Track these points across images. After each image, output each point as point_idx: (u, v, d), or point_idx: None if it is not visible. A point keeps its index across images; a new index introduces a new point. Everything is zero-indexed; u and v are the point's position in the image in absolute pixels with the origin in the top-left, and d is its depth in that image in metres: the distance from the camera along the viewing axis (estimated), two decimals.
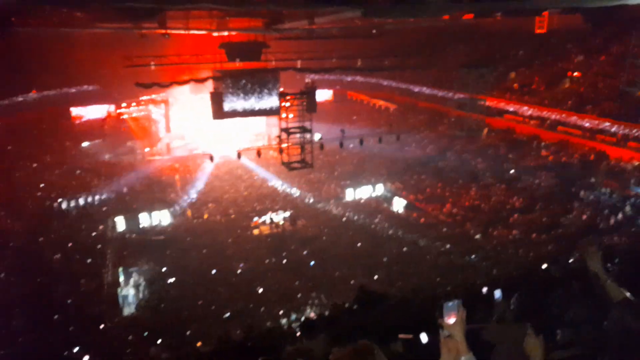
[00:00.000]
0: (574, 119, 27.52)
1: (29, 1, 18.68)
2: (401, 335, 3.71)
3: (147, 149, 36.51)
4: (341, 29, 28.74)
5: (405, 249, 22.10)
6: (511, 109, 31.76)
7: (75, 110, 33.64)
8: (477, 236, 22.48)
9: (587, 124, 26.71)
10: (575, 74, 30.96)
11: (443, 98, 37.11)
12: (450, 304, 2.55)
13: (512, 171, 26.94)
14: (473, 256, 20.47)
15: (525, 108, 30.73)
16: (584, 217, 21.07)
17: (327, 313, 16.01)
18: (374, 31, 29.24)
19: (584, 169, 24.55)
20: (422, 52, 39.28)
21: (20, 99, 36.51)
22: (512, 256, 19.72)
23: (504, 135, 31.05)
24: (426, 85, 39.47)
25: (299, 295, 18.36)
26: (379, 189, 29.37)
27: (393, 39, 34.74)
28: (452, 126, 34.26)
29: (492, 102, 32.08)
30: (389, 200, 28.31)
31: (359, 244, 22.66)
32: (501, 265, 18.83)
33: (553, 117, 28.81)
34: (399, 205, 27.45)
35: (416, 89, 40.60)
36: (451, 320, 2.47)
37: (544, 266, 15.89)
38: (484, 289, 9.46)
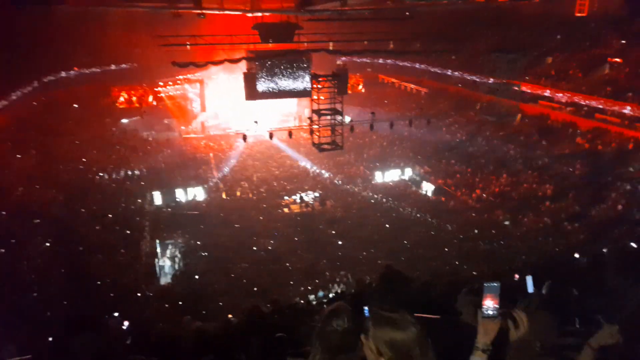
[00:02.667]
0: (612, 107, 26.77)
1: None
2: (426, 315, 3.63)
3: (182, 127, 37.56)
4: (373, 11, 28.53)
5: (432, 232, 22.29)
6: (546, 95, 31.05)
7: (115, 89, 34.97)
8: (506, 223, 22.43)
9: (626, 112, 25.97)
10: (616, 60, 29.92)
11: (474, 83, 36.50)
12: (491, 285, 2.53)
13: (544, 158, 26.55)
14: (501, 242, 20.50)
15: (561, 94, 29.99)
16: (619, 207, 20.71)
17: (352, 290, 16.53)
18: (407, 13, 28.89)
19: (621, 159, 24.01)
20: (454, 36, 38.54)
21: (62, 75, 37.94)
22: (542, 244, 19.67)
23: (538, 122, 30.46)
24: (457, 69, 38.83)
25: (326, 274, 18.88)
26: (408, 173, 29.46)
27: (425, 22, 34.17)
28: (483, 111, 33.76)
29: (526, 87, 31.41)
30: (417, 184, 28.38)
31: (386, 226, 22.97)
32: (530, 253, 18.84)
33: (590, 104, 28.08)
34: (427, 189, 27.52)
35: (447, 73, 40.02)
36: (490, 302, 2.47)
37: (576, 255, 15.76)
38: (516, 276, 9.53)
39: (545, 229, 20.88)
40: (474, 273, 17.28)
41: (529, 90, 31.72)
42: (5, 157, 26.06)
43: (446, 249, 20.39)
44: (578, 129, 27.80)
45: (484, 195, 25.17)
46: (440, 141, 32.52)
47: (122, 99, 34.95)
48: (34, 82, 35.02)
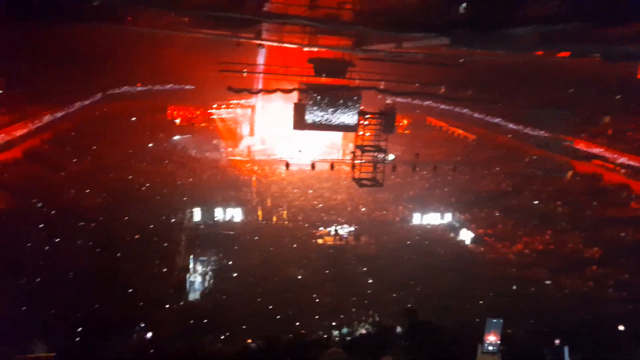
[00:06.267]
0: None
1: (141, 2, 20.74)
2: None
3: (230, 149, 38.90)
4: (427, 55, 28.76)
5: (467, 282, 21.47)
6: (601, 155, 29.95)
7: (172, 107, 37.02)
8: (547, 282, 21.35)
9: None
10: None
11: (525, 134, 35.79)
12: (494, 320, 2.47)
13: (594, 220, 25.34)
14: (540, 302, 19.46)
15: (617, 155, 28.85)
16: None
17: (375, 332, 16.13)
18: (461, 60, 28.95)
19: None
20: (508, 86, 38.18)
21: (125, 89, 40.41)
22: (582, 310, 18.54)
23: (590, 181, 29.30)
24: (508, 118, 38.28)
25: (352, 310, 18.49)
26: (447, 218, 28.80)
27: (479, 70, 34.15)
28: (532, 164, 32.85)
29: (579, 145, 30.46)
30: (456, 231, 27.66)
31: (419, 270, 22.38)
32: (569, 317, 17.78)
33: None
34: (465, 237, 26.75)
35: (497, 121, 39.52)
36: (492, 337, 2.40)
37: (621, 328, 14.75)
38: (556, 341, 9.12)
39: (588, 294, 19.71)
40: (509, 331, 16.53)
41: (583, 148, 30.73)
42: (63, 161, 27.69)
43: (480, 302, 19.55)
44: (633, 192, 26.48)
45: (526, 250, 24.18)
46: (484, 190, 31.79)
47: (176, 117, 36.76)
48: (98, 94, 37.40)
